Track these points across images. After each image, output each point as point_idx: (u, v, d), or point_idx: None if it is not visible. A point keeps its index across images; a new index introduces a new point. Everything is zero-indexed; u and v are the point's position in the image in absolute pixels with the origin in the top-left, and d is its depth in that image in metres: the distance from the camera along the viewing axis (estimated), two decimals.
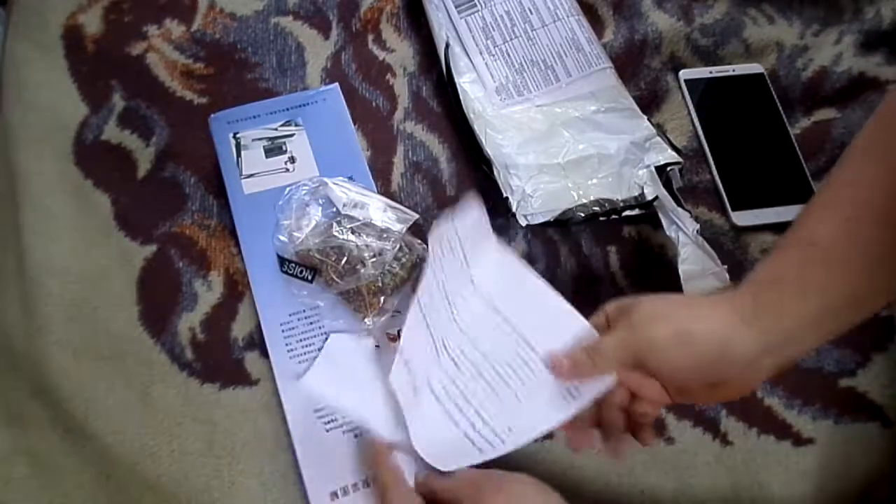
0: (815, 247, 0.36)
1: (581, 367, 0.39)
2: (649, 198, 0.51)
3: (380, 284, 0.47)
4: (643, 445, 0.39)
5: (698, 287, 0.47)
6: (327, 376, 0.45)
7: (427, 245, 0.42)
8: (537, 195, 0.51)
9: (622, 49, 0.60)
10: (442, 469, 0.39)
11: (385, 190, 0.55)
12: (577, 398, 0.39)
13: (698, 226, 0.49)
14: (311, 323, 0.48)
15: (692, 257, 0.48)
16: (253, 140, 0.54)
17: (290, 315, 0.48)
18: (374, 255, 0.46)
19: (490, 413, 0.40)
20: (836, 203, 0.37)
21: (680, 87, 0.59)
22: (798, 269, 0.36)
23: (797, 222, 0.38)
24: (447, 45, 0.57)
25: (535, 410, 0.40)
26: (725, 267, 0.47)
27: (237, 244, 0.52)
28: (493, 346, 0.42)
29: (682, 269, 0.47)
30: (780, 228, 0.54)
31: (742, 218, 0.54)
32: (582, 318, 0.41)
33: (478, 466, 0.39)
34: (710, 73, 0.60)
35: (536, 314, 0.42)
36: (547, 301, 0.43)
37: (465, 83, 0.56)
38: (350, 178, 0.51)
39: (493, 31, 0.58)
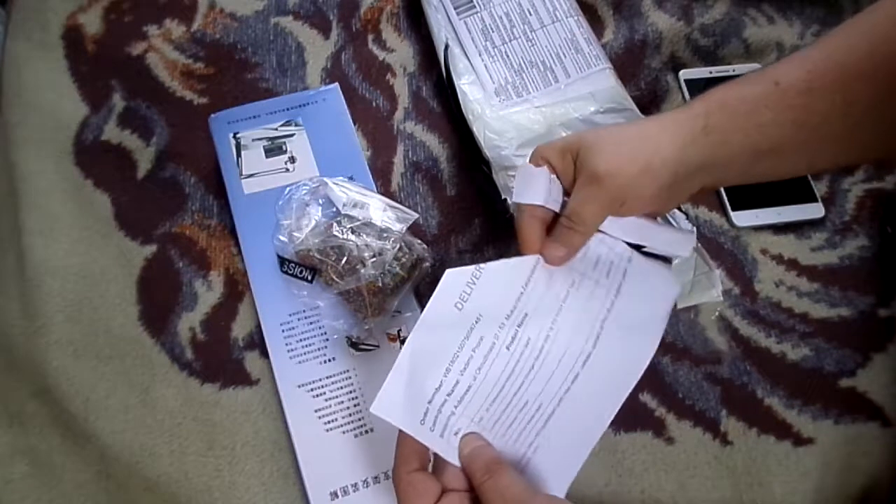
0: (776, 86, 0.36)
1: (571, 244, 0.39)
2: None
3: (380, 284, 0.47)
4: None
5: (690, 289, 0.47)
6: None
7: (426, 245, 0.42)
8: None
9: (622, 49, 0.60)
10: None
11: (385, 190, 0.55)
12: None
13: (694, 227, 0.49)
14: (311, 323, 0.48)
15: (686, 259, 0.48)
16: (253, 140, 0.54)
17: (290, 315, 0.48)
18: (374, 255, 0.46)
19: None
20: (808, 57, 0.37)
21: (680, 87, 0.59)
22: (753, 102, 0.36)
23: (770, 65, 0.38)
24: (446, 47, 0.57)
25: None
26: (720, 269, 0.47)
27: (237, 244, 0.52)
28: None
29: (676, 271, 0.47)
30: (780, 228, 0.54)
31: (742, 218, 0.54)
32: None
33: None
34: (710, 73, 0.60)
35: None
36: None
37: (465, 84, 0.56)
38: (350, 178, 0.51)
39: (493, 32, 0.58)
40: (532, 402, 0.39)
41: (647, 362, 0.40)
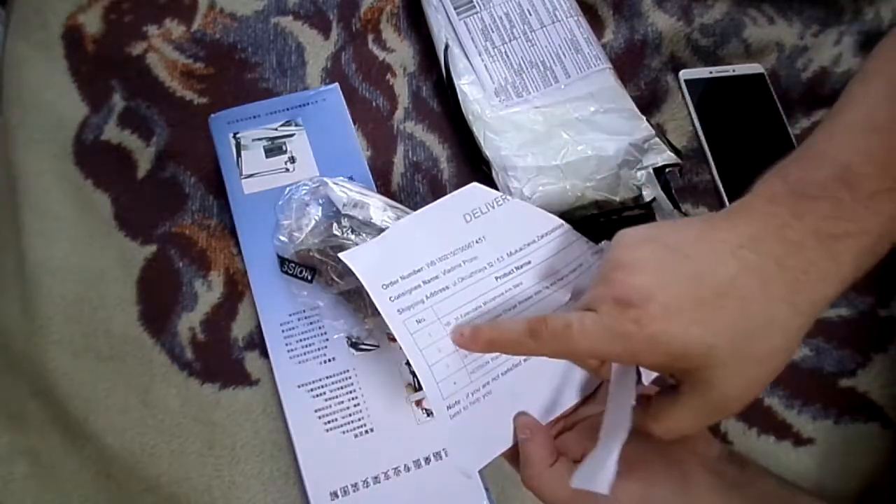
0: (848, 169, 0.32)
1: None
2: (647, 199, 0.51)
3: None
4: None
5: None
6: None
7: None
8: (535, 197, 0.51)
9: (622, 49, 0.60)
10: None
11: (385, 190, 0.55)
12: None
13: None
14: (311, 323, 0.48)
15: None
16: (253, 140, 0.54)
17: (290, 315, 0.48)
18: None
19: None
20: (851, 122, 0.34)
21: (680, 87, 0.59)
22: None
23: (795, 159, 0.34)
24: (446, 47, 0.57)
25: None
26: None
27: (237, 244, 0.52)
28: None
29: None
30: None
31: None
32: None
33: None
34: (710, 73, 0.60)
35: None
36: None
37: (465, 85, 0.56)
38: (350, 178, 0.51)
39: (493, 32, 0.58)
40: None
41: (598, 383, 0.40)
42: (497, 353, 0.39)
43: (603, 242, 0.43)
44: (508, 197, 0.41)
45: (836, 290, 0.32)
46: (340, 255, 0.38)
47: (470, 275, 0.39)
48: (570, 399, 0.40)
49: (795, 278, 0.31)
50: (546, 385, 0.40)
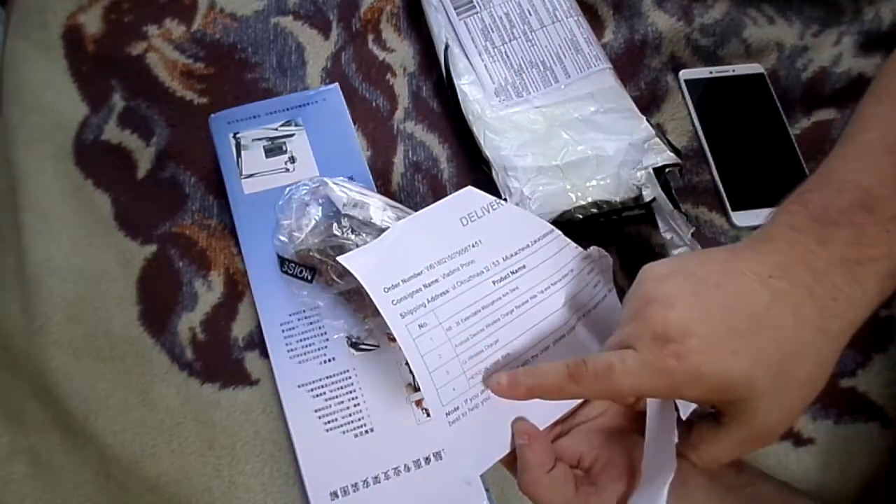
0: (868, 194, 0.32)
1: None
2: (647, 199, 0.51)
3: None
4: None
5: None
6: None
7: None
8: (535, 197, 0.51)
9: (622, 49, 0.60)
10: None
11: (385, 190, 0.55)
12: None
13: (693, 229, 0.49)
14: (311, 323, 0.48)
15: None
16: (253, 140, 0.54)
17: (290, 315, 0.48)
18: None
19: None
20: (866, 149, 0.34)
21: (680, 87, 0.59)
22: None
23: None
24: (446, 47, 0.57)
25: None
26: None
27: (237, 244, 0.52)
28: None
29: None
30: None
31: (742, 218, 0.54)
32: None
33: None
34: (710, 73, 0.60)
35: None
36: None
37: (465, 85, 0.56)
38: (350, 178, 0.51)
39: (493, 32, 0.58)
40: (503, 343, 0.39)
41: None
42: (497, 359, 0.39)
43: (591, 248, 0.43)
44: (502, 202, 0.41)
45: (864, 314, 0.33)
46: (340, 258, 0.37)
47: (468, 278, 0.39)
48: (569, 403, 0.40)
49: (825, 305, 0.32)
50: None
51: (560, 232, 0.41)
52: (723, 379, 0.31)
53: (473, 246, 0.40)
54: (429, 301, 0.38)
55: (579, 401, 0.40)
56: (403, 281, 0.38)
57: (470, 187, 0.40)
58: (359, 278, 0.37)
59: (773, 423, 0.33)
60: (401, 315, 0.37)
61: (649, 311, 0.33)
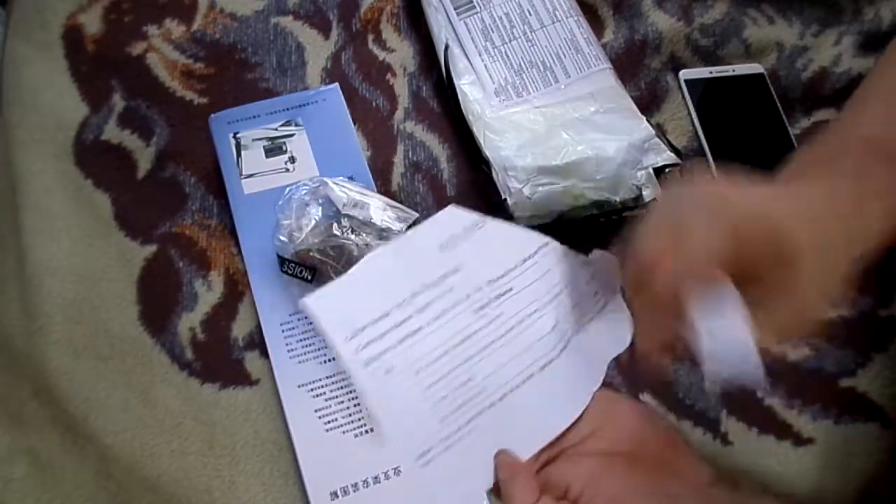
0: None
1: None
2: (647, 199, 0.51)
3: None
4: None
5: None
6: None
7: None
8: (536, 197, 0.51)
9: (622, 49, 0.60)
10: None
11: (385, 190, 0.55)
12: None
13: None
14: (310, 323, 0.48)
15: None
16: (253, 140, 0.54)
17: (290, 315, 0.48)
18: None
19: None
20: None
21: (680, 87, 0.59)
22: None
23: None
24: (446, 47, 0.57)
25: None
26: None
27: (237, 244, 0.52)
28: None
29: None
30: None
31: None
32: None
33: None
34: (710, 73, 0.60)
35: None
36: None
37: (465, 85, 0.56)
38: (350, 178, 0.51)
39: (493, 32, 0.58)
40: (478, 380, 0.37)
41: (585, 405, 0.38)
42: (471, 396, 0.37)
43: (593, 252, 0.41)
44: (488, 219, 0.37)
45: (867, 246, 0.34)
46: (301, 301, 0.33)
47: (444, 311, 0.36)
48: (554, 429, 0.38)
49: (845, 222, 0.33)
50: (526, 419, 0.38)
51: (557, 242, 0.39)
52: (770, 220, 0.32)
53: (453, 273, 0.36)
54: (399, 342, 0.35)
55: (566, 426, 0.38)
56: (371, 322, 0.35)
57: (452, 206, 0.37)
58: (321, 324, 0.34)
59: (814, 295, 0.32)
60: (364, 363, 0.35)
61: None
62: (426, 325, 0.36)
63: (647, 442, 0.38)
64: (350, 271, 0.35)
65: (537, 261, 0.38)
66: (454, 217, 0.37)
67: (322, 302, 0.34)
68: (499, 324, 0.37)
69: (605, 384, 0.41)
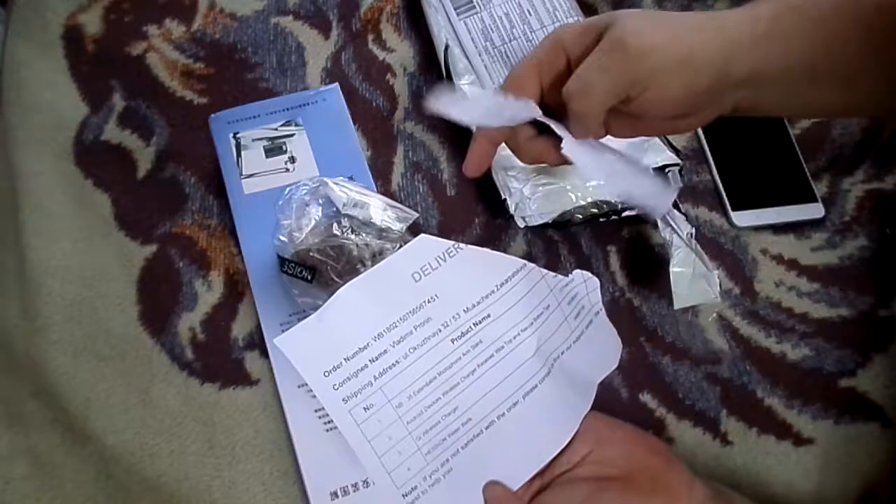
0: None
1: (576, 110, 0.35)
2: None
3: None
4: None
5: (688, 291, 0.47)
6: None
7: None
8: (535, 197, 0.51)
9: None
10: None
11: (385, 190, 0.55)
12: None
13: (693, 228, 0.49)
14: None
15: (684, 260, 0.47)
16: (253, 140, 0.54)
17: (290, 315, 0.48)
18: (374, 255, 0.46)
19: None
20: None
21: None
22: (824, 8, 0.32)
23: None
24: (446, 47, 0.57)
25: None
26: (720, 269, 0.47)
27: (237, 244, 0.52)
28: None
29: (674, 271, 0.47)
30: (780, 229, 0.54)
31: (742, 218, 0.54)
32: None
33: None
34: None
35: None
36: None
37: (465, 85, 0.56)
38: (350, 178, 0.51)
39: (493, 32, 0.58)
40: (462, 411, 0.36)
41: (575, 430, 0.38)
42: (456, 427, 0.36)
43: (574, 273, 0.41)
44: (461, 246, 0.37)
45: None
46: (275, 340, 0.33)
47: (423, 342, 0.36)
48: (544, 456, 0.37)
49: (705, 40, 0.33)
50: (515, 448, 0.37)
51: (534, 265, 0.38)
52: (600, 20, 0.35)
53: (429, 302, 0.36)
54: (376, 378, 0.35)
55: (556, 452, 0.38)
56: (346, 359, 0.34)
57: (424, 235, 0.36)
58: (294, 363, 0.33)
59: (634, 43, 0.33)
60: (343, 400, 0.34)
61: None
62: (404, 357, 0.35)
63: (640, 463, 0.38)
64: (322, 308, 0.34)
65: (514, 285, 0.37)
66: (426, 245, 0.36)
67: (293, 341, 0.33)
68: (479, 351, 0.37)
69: (602, 387, 0.41)
